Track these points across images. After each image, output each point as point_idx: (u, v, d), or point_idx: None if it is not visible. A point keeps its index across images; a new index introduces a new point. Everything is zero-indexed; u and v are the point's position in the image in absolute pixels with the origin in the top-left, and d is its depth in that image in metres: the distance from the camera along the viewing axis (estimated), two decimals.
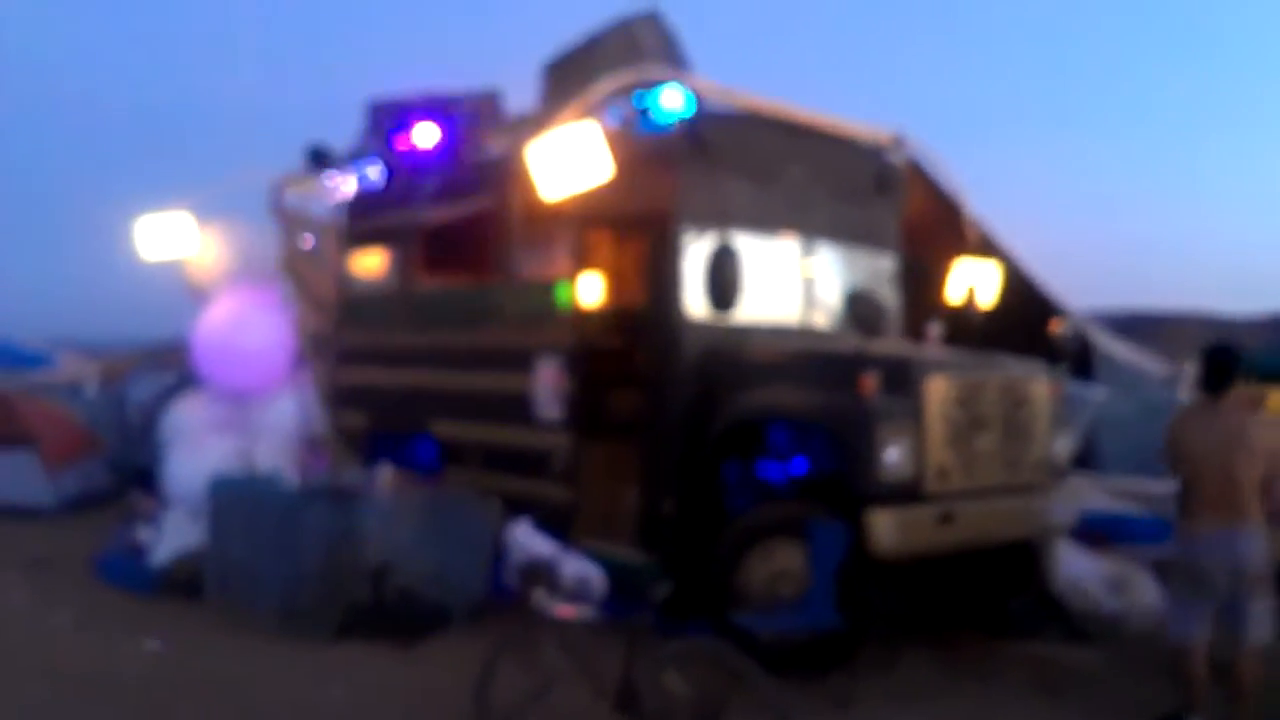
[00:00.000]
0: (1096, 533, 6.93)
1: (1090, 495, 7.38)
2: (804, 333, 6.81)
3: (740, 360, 6.24)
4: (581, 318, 7.04)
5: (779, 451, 6.06)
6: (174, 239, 9.08)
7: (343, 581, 5.97)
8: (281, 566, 6.15)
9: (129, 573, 7.11)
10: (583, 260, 7.05)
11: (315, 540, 6.03)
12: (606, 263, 7.66)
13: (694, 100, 6.48)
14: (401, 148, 8.18)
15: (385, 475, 6.52)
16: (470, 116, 7.98)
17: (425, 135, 8.01)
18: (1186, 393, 7.90)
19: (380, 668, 5.52)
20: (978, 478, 5.74)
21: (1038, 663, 5.94)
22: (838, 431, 5.58)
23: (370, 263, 8.90)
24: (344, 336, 8.95)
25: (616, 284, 7.73)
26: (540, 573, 5.25)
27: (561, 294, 6.94)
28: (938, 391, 5.56)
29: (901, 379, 5.50)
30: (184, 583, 6.81)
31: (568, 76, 7.38)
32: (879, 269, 7.41)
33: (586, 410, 6.81)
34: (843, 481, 5.54)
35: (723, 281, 5.99)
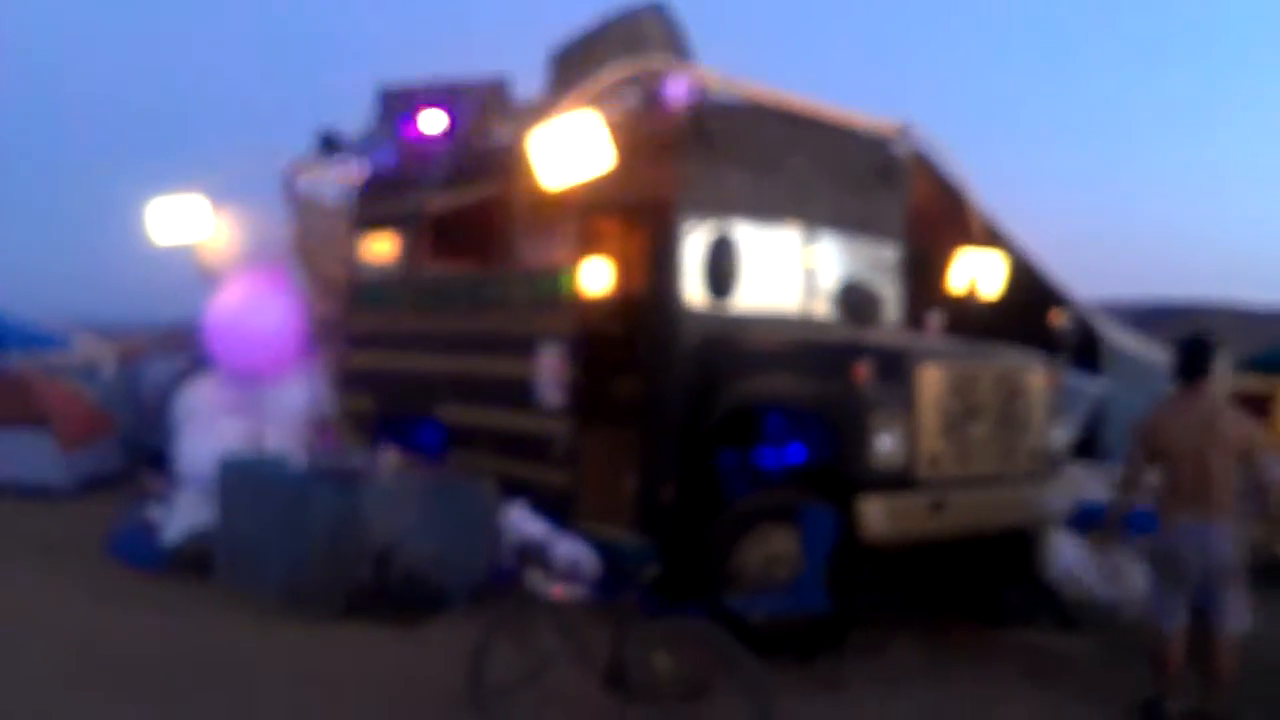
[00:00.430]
0: (1094, 523, 6.98)
1: (1089, 485, 7.42)
2: (802, 322, 6.88)
3: (738, 348, 6.32)
4: (584, 305, 7.14)
5: (775, 438, 6.14)
6: (187, 223, 9.21)
7: (346, 563, 6.07)
8: (288, 547, 6.27)
9: (140, 551, 7.24)
10: (586, 248, 7.14)
11: (320, 522, 6.14)
12: (610, 250, 7.74)
13: (697, 90, 6.54)
14: (410, 134, 8.28)
15: (389, 458, 6.63)
16: (478, 104, 8.07)
17: (433, 122, 8.10)
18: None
19: (381, 647, 5.63)
20: (971, 466, 5.81)
21: (1029, 650, 6.02)
22: (831, 419, 5.66)
23: (379, 248, 9.01)
24: (353, 321, 9.07)
25: (619, 272, 7.82)
26: (534, 554, 5.35)
27: (564, 281, 7.03)
28: (930, 380, 5.63)
29: (894, 368, 5.57)
30: (194, 561, 6.93)
31: (573, 65, 7.45)
32: (881, 259, 7.46)
33: (588, 396, 6.92)
34: (836, 468, 5.62)
35: (721, 270, 6.06)
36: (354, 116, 9.10)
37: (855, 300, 7.02)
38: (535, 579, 4.70)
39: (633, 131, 6.51)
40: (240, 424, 8.11)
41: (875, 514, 5.37)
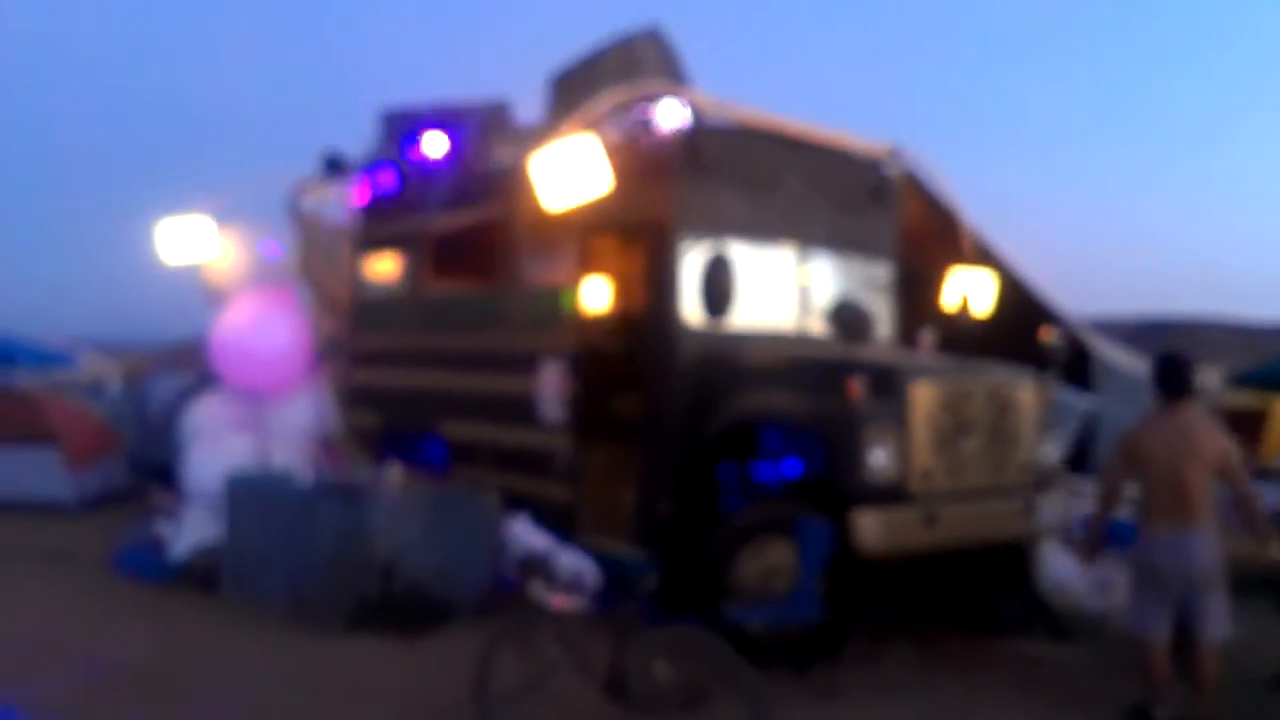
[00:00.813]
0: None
1: (1080, 500, 7.56)
2: (797, 339, 7.03)
3: (734, 365, 6.47)
4: (584, 323, 7.29)
5: (771, 453, 6.28)
6: (194, 242, 9.34)
7: (352, 576, 6.18)
8: (294, 561, 6.40)
9: (148, 566, 7.37)
10: (586, 267, 7.29)
11: (326, 536, 6.26)
12: (609, 270, 7.90)
13: (692, 114, 6.71)
14: (413, 156, 8.45)
15: (393, 473, 6.76)
16: (479, 127, 8.25)
17: (435, 145, 8.27)
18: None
19: (386, 658, 5.74)
20: (962, 481, 5.94)
21: (1021, 659, 6.14)
22: (826, 434, 5.80)
23: (383, 267, 9.17)
24: (358, 339, 9.23)
25: (618, 291, 7.97)
26: (537, 566, 5.47)
27: (565, 300, 7.19)
28: (922, 397, 5.77)
29: (887, 384, 5.72)
30: (201, 576, 7.07)
31: (572, 90, 7.63)
32: (874, 277, 7.62)
33: (588, 412, 7.06)
34: (831, 482, 5.75)
35: (716, 289, 6.21)
36: (358, 139, 9.30)
37: (849, 318, 7.16)
38: (538, 590, 4.83)
39: (630, 154, 6.68)
40: (247, 441, 8.22)
41: (870, 527, 5.49)
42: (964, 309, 8.14)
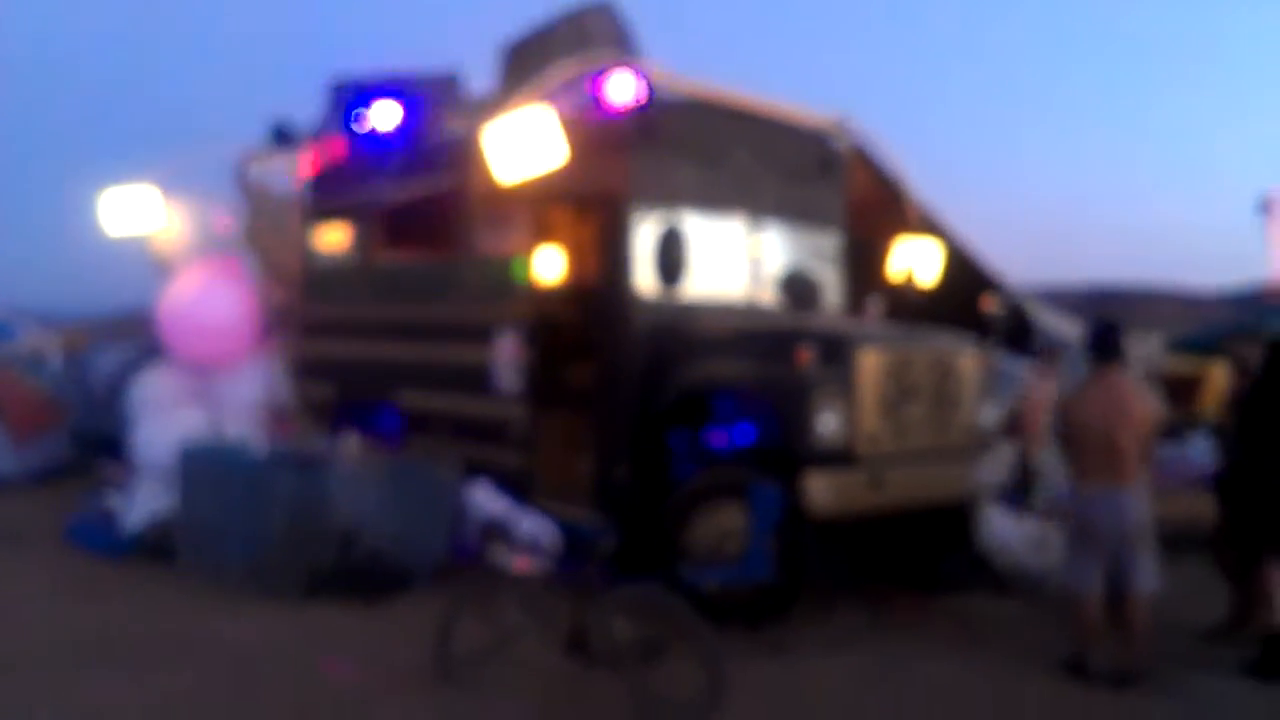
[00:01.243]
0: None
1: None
2: (748, 309, 7.17)
3: (687, 335, 6.59)
4: (538, 293, 7.36)
5: (723, 420, 6.43)
6: (139, 213, 9.20)
7: (309, 545, 6.20)
8: (250, 530, 6.39)
9: (101, 539, 7.33)
10: (540, 237, 7.35)
11: (282, 506, 6.27)
12: (563, 240, 7.97)
13: (644, 87, 6.76)
14: (362, 127, 8.38)
15: (350, 443, 6.79)
16: (430, 97, 8.21)
17: (386, 115, 8.21)
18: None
19: (347, 625, 5.80)
20: (907, 444, 6.14)
21: (963, 615, 6.38)
22: (776, 400, 5.96)
23: (333, 237, 9.12)
24: (309, 310, 9.18)
25: (572, 261, 8.05)
26: (498, 530, 5.56)
27: (519, 270, 7.24)
28: (869, 364, 5.96)
29: (835, 352, 5.89)
30: (156, 547, 7.05)
31: (523, 61, 7.64)
32: (823, 247, 7.77)
33: (543, 381, 7.14)
34: (781, 447, 5.92)
35: (669, 260, 6.31)
36: (306, 107, 9.21)
37: (798, 287, 7.33)
38: (499, 554, 4.93)
39: (583, 126, 6.73)
40: (197, 413, 8.18)
41: (819, 490, 5.68)
42: (910, 278, 8.34)
